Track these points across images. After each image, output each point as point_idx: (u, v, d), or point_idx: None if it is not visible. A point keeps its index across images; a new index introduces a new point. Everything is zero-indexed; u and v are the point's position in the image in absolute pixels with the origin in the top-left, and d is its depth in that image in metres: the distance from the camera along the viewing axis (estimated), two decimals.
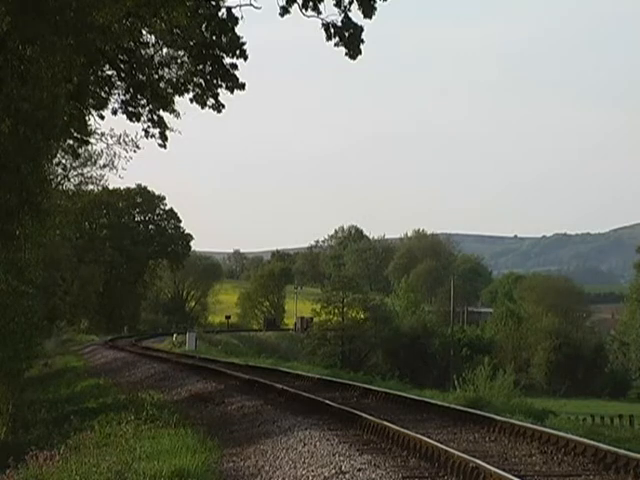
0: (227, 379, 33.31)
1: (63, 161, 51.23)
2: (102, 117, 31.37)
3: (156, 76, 30.19)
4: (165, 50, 29.80)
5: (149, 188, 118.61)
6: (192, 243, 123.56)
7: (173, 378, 37.11)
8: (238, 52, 28.81)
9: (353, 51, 26.84)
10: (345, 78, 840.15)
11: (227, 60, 29.23)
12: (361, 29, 26.66)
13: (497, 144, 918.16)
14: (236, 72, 29.48)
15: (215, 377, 34.43)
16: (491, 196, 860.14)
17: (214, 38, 28.83)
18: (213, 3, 28.38)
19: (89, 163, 66.92)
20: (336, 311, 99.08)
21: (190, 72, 29.85)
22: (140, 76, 30.02)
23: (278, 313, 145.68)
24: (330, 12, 26.42)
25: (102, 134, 47.16)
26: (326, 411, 21.32)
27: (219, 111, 30.33)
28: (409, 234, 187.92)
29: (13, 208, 21.04)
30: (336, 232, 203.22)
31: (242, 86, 29.80)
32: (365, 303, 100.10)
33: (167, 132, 31.42)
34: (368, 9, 25.92)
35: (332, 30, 26.66)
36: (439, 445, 15.09)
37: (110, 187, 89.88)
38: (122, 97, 30.29)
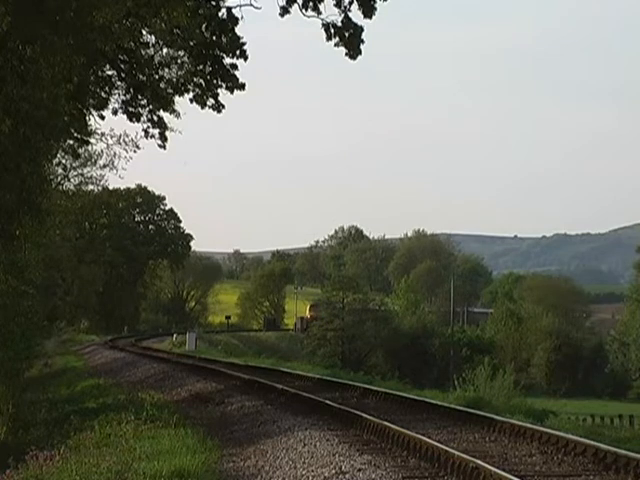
0: (227, 379, 33.30)
1: (63, 161, 51.33)
2: (102, 117, 31.41)
3: (156, 76, 30.20)
4: (165, 50, 29.84)
5: (149, 188, 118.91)
6: (192, 243, 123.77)
7: (173, 378, 37.11)
8: (238, 52, 28.83)
9: (353, 51, 26.87)
10: (345, 78, 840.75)
11: (227, 60, 29.25)
12: (361, 29, 26.70)
13: (497, 144, 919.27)
14: (236, 72, 29.53)
15: (215, 377, 34.42)
16: (491, 196, 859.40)
17: (214, 38, 28.84)
18: (213, 3, 28.38)
19: (89, 163, 67.01)
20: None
21: (190, 72, 29.86)
22: (140, 76, 30.03)
23: (278, 313, 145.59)
24: (330, 12, 26.49)
25: (102, 134, 47.22)
26: (326, 411, 21.31)
27: (219, 111, 30.34)
28: (409, 234, 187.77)
29: (13, 208, 21.04)
30: (336, 232, 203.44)
31: (242, 86, 29.82)
32: (365, 303, 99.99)
33: (167, 132, 31.47)
34: (368, 9, 25.95)
35: (332, 30, 26.69)
36: (439, 445, 15.09)
37: (110, 187, 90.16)
38: (122, 97, 30.31)
